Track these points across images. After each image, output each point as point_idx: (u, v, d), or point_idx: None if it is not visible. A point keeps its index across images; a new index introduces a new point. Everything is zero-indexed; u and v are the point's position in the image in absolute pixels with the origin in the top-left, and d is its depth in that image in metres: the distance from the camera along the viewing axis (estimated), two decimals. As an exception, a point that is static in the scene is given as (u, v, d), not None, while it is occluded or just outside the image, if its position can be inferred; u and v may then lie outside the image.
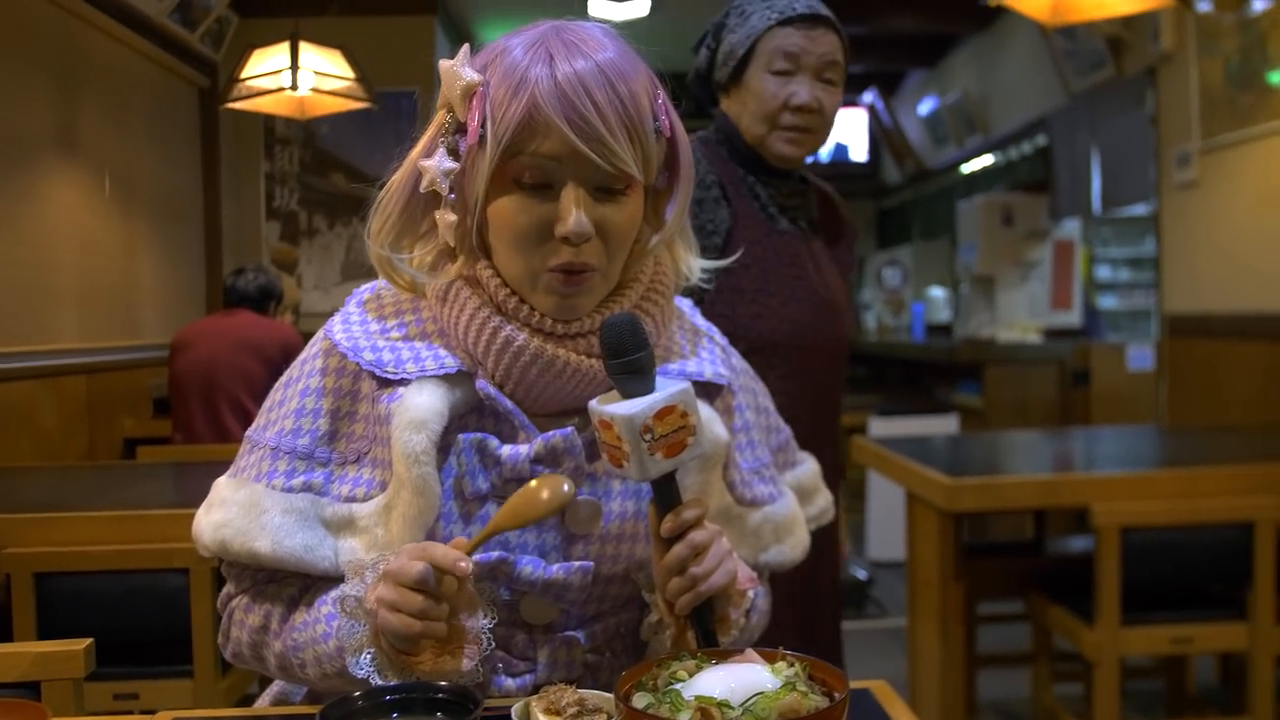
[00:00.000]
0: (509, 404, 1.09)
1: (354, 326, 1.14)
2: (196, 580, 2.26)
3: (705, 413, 1.11)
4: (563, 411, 1.12)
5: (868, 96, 8.37)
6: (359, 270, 6.00)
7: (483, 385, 1.08)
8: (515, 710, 0.95)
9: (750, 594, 1.14)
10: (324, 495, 1.10)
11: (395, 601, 0.97)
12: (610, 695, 0.93)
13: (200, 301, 5.59)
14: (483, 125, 1.01)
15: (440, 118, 1.07)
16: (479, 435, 1.08)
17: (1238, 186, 4.26)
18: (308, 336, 1.23)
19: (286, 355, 3.81)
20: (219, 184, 5.75)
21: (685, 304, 1.27)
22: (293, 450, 1.10)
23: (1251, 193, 4.18)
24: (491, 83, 1.02)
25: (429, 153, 1.07)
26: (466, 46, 1.07)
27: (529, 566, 1.07)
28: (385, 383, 1.08)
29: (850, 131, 8.82)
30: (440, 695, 0.95)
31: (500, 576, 1.08)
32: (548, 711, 0.95)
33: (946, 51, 7.46)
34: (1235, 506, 2.51)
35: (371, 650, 1.01)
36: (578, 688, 1.00)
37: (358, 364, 1.09)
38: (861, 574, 4.78)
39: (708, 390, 1.19)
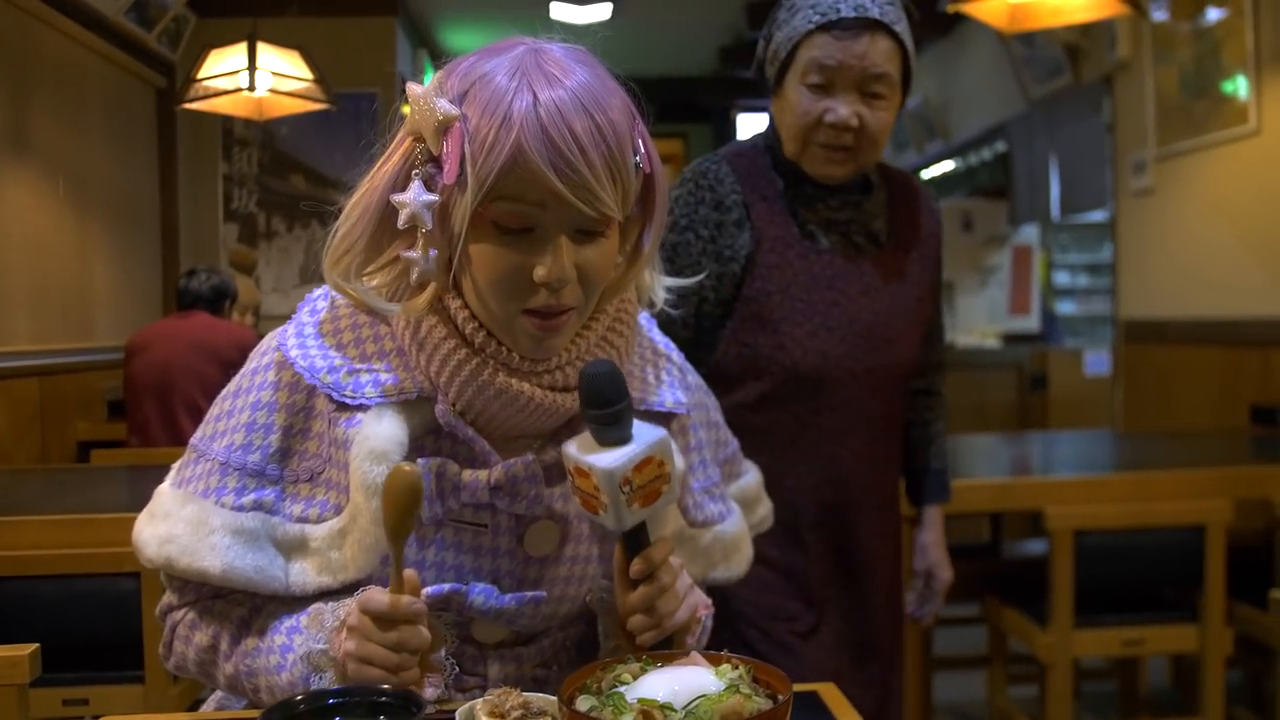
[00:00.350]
0: (469, 432, 1.07)
1: (308, 340, 1.10)
2: (148, 585, 2.23)
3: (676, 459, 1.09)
4: (522, 436, 1.10)
5: (829, 102, 8.43)
6: (318, 274, 5.92)
7: (443, 413, 1.06)
8: (460, 713, 0.95)
9: (703, 619, 1.15)
10: (275, 514, 1.08)
11: (368, 657, 0.97)
12: (554, 699, 0.92)
13: (156, 303, 5.53)
14: (461, 165, 0.97)
15: (408, 145, 1.02)
16: (438, 460, 1.06)
17: (1192, 193, 4.32)
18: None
19: (244, 358, 3.76)
20: (176, 185, 5.70)
21: (642, 318, 1.25)
22: (243, 466, 1.08)
23: (1205, 200, 4.24)
24: (470, 119, 0.97)
25: (399, 182, 1.01)
26: (441, 75, 1.02)
27: (481, 596, 1.07)
28: (344, 406, 1.06)
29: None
30: (382, 698, 0.94)
31: (453, 605, 1.07)
32: (492, 714, 0.95)
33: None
34: (1186, 510, 2.54)
35: None
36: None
37: (313, 385, 1.07)
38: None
39: (665, 418, 1.19)
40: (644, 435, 1.02)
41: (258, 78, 3.96)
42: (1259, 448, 3.26)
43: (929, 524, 2.00)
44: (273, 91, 4.05)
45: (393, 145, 1.04)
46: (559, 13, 6.44)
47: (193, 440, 1.14)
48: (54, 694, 2.29)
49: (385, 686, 0.95)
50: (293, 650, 1.03)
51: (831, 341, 1.71)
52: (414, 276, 1.03)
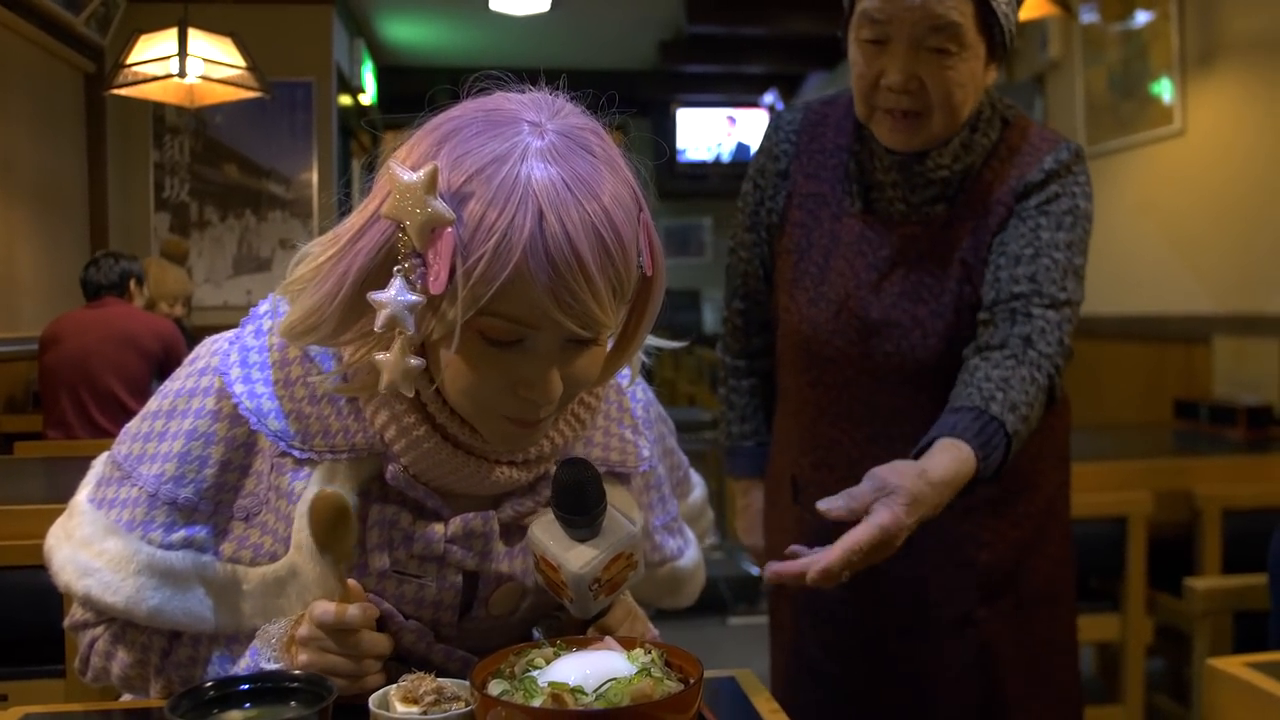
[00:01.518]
0: (421, 490, 1.03)
1: (254, 373, 1.03)
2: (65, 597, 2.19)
3: (627, 514, 1.06)
4: (474, 495, 1.06)
5: (768, 98, 8.48)
6: (251, 263, 5.88)
7: (393, 475, 1.02)
8: (373, 700, 0.94)
9: None
10: (205, 552, 1.04)
11: (330, 668, 0.97)
12: (468, 683, 0.92)
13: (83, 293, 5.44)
14: (451, 275, 0.86)
15: (389, 231, 0.89)
16: (394, 509, 1.03)
17: (1120, 192, 4.41)
18: (197, 331, 1.15)
19: (167, 351, 3.73)
20: (105, 173, 5.60)
21: None
22: (173, 501, 1.02)
23: (1133, 198, 4.32)
24: (466, 226, 0.85)
25: (376, 270, 0.90)
26: (426, 144, 0.90)
27: (413, 635, 1.06)
28: (293, 458, 1.01)
29: (751, 132, 8.92)
30: (294, 684, 0.93)
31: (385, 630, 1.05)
32: (406, 700, 0.94)
33: (844, 54, 7.59)
34: (1108, 502, 2.57)
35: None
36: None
37: (260, 432, 1.01)
38: (755, 570, 4.84)
39: (625, 477, 1.18)
40: (613, 531, 1.01)
41: (189, 64, 3.88)
42: (1181, 441, 3.33)
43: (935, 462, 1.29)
44: (204, 78, 3.98)
45: (367, 219, 0.91)
46: (498, 4, 6.41)
47: (116, 455, 1.07)
48: (-29, 689, 2.25)
49: (296, 672, 0.95)
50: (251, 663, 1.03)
51: (825, 315, 1.55)
52: (383, 383, 0.91)
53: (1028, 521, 1.59)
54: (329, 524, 0.97)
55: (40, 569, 2.12)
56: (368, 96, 7.05)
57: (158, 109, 5.68)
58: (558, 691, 0.86)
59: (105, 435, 3.57)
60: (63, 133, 5.29)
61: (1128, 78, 4.27)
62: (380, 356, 0.91)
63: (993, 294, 1.46)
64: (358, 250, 0.90)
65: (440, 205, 0.85)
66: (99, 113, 5.53)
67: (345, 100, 6.39)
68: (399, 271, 0.87)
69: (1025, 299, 1.43)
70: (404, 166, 0.87)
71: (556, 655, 0.95)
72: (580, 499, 0.99)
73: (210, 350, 1.06)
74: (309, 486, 1.00)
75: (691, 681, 0.89)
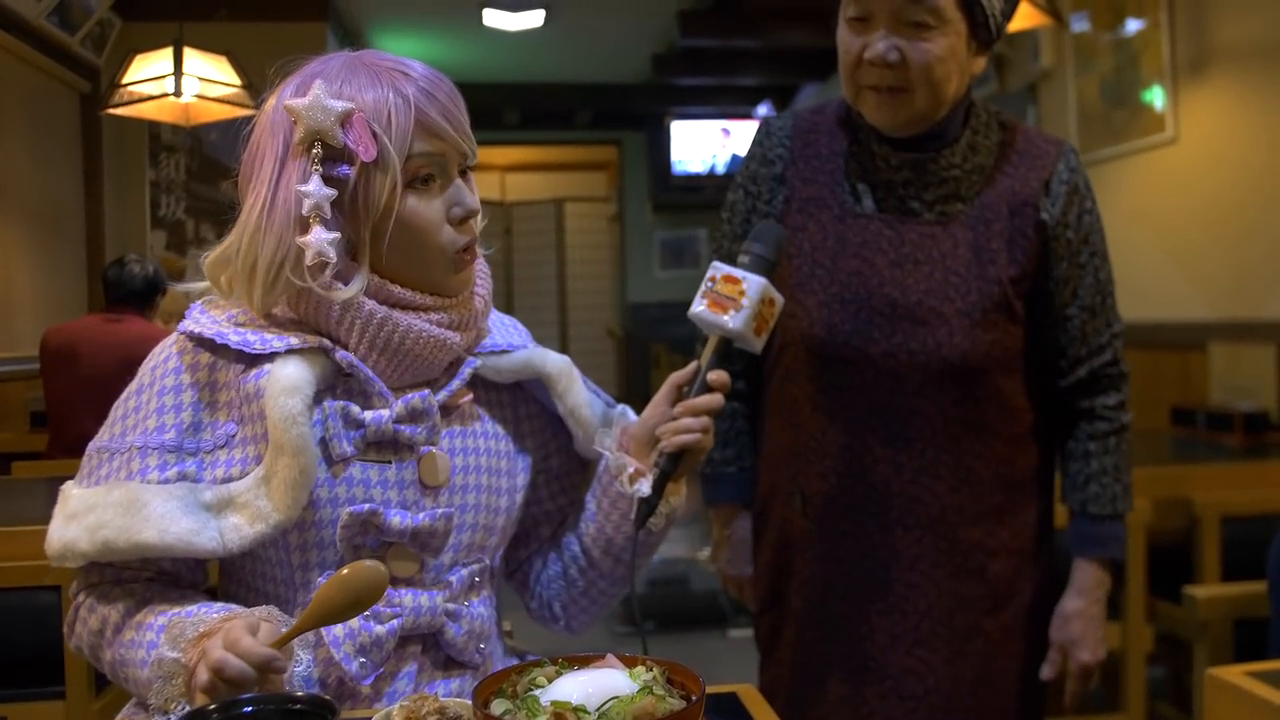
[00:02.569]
0: (369, 371, 1.17)
1: (205, 320, 1.19)
2: (69, 599, 2.18)
3: None
4: (413, 385, 1.21)
5: (762, 109, 8.50)
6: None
7: (344, 355, 1.16)
8: (377, 719, 0.95)
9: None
10: (199, 481, 1.14)
11: (215, 690, 0.99)
12: (469, 703, 0.93)
13: (81, 311, 5.42)
14: (376, 140, 1.11)
15: (304, 153, 1.12)
16: (341, 403, 1.16)
17: (1113, 200, 4.42)
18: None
19: None
20: (101, 192, 5.61)
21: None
22: (160, 445, 1.14)
23: (1126, 207, 4.34)
24: (363, 106, 1.12)
25: (301, 183, 1.12)
26: (320, 83, 1.13)
27: (397, 518, 1.15)
28: (250, 363, 1.15)
29: (746, 144, 8.93)
30: (297, 706, 0.94)
31: (370, 529, 1.15)
32: (409, 719, 0.95)
33: (836, 66, 7.61)
34: (1108, 509, 2.59)
35: (184, 704, 1.04)
36: (438, 640, 1.18)
37: (225, 345, 1.15)
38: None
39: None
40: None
41: (184, 83, 3.90)
42: (1178, 448, 3.34)
43: (1074, 585, 1.62)
44: (200, 97, 4.00)
45: (273, 163, 1.14)
46: (492, 19, 6.43)
47: (94, 446, 1.19)
48: (-30, 712, 2.25)
49: (300, 694, 0.96)
50: (157, 647, 1.07)
51: (843, 315, 1.55)
52: (309, 256, 1.10)
53: (1028, 531, 1.61)
54: (359, 597, 1.01)
55: (38, 589, 2.16)
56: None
57: (153, 128, 5.68)
58: (560, 710, 0.87)
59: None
60: (59, 152, 5.31)
61: (1120, 86, 4.29)
62: (302, 239, 1.11)
63: (1082, 348, 1.61)
64: (275, 189, 1.13)
65: (339, 102, 1.11)
66: (95, 132, 5.54)
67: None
68: (315, 171, 1.11)
69: (1111, 349, 1.63)
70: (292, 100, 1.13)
71: (559, 674, 0.95)
72: (779, 241, 1.32)
73: (164, 340, 1.23)
74: (271, 372, 1.13)
75: (694, 699, 0.90)
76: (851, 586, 1.59)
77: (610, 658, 0.98)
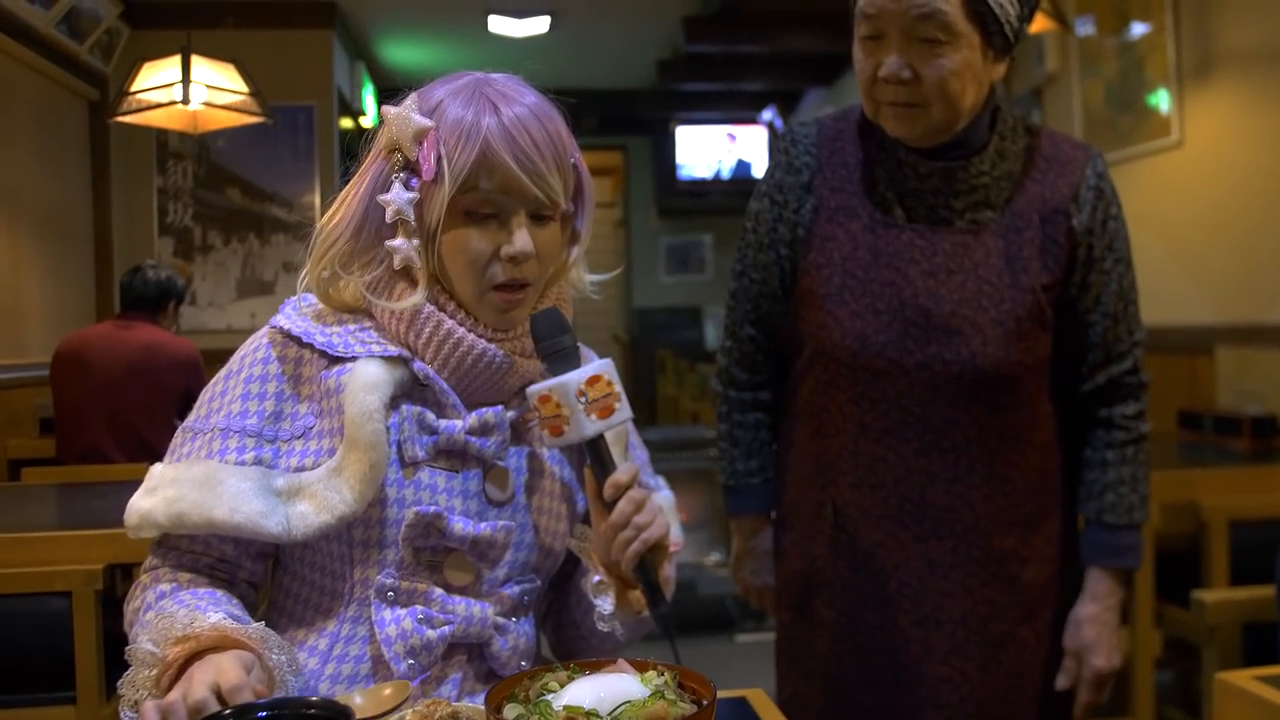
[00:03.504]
0: (444, 384, 1.21)
1: (296, 318, 1.25)
2: (79, 604, 2.22)
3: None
4: (483, 403, 1.24)
5: (767, 114, 8.51)
6: (255, 287, 5.91)
7: (420, 366, 1.21)
8: (390, 722, 0.96)
9: (674, 553, 1.28)
10: (273, 468, 1.19)
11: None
12: (482, 708, 0.94)
13: (89, 319, 5.46)
14: (438, 164, 1.16)
15: (384, 158, 1.20)
16: (418, 408, 1.20)
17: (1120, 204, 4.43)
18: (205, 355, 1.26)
19: (189, 385, 3.59)
20: (109, 199, 5.64)
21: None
22: (242, 429, 1.19)
23: (1132, 210, 4.27)
24: (441, 127, 1.17)
25: (380, 188, 1.19)
26: (414, 95, 1.21)
27: (460, 524, 1.18)
28: (333, 361, 1.20)
29: (751, 149, 8.96)
30: (311, 711, 0.94)
31: (434, 532, 1.18)
32: (422, 722, 0.96)
33: (842, 71, 7.61)
34: (1115, 513, 2.59)
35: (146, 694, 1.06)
36: (484, 652, 1.20)
37: (310, 345, 1.21)
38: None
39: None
40: (591, 361, 1.23)
41: (192, 90, 3.92)
42: (1186, 452, 3.34)
43: (1088, 592, 1.62)
44: (207, 104, 4.02)
45: (367, 162, 1.23)
46: (497, 26, 6.45)
47: (186, 424, 1.24)
48: (-18, 717, 2.27)
49: (314, 699, 0.96)
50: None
51: (876, 326, 1.55)
52: (397, 262, 1.19)
53: (1058, 539, 1.62)
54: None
55: (50, 595, 2.17)
56: (369, 119, 7.09)
57: (161, 135, 5.71)
58: (573, 715, 0.88)
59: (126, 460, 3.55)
60: (68, 160, 5.33)
61: (1125, 90, 4.30)
62: (391, 242, 1.18)
63: (1103, 354, 1.61)
64: (363, 182, 1.21)
65: (420, 118, 1.17)
66: (103, 139, 5.57)
67: (347, 123, 6.43)
68: (395, 178, 1.18)
69: (1131, 357, 1.62)
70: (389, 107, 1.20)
71: (571, 679, 0.96)
72: (548, 325, 1.20)
73: (258, 331, 1.28)
74: (354, 370, 1.18)
75: (705, 704, 0.90)
76: (885, 597, 1.58)
77: (622, 663, 0.99)
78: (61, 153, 5.26)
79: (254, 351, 1.25)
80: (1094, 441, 1.63)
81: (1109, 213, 1.61)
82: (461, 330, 1.20)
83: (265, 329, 1.26)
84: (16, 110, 4.75)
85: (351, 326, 1.24)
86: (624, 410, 1.20)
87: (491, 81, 1.21)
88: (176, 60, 3.92)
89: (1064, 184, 1.58)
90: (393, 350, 1.20)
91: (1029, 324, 1.54)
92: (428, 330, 1.20)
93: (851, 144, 1.63)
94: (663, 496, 1.47)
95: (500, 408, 1.23)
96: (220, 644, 1.04)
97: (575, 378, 1.17)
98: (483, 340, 1.21)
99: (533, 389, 1.20)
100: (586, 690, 0.92)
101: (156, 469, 1.20)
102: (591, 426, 1.17)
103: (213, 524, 1.14)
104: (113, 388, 3.65)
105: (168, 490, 1.16)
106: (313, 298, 1.26)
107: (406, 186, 1.18)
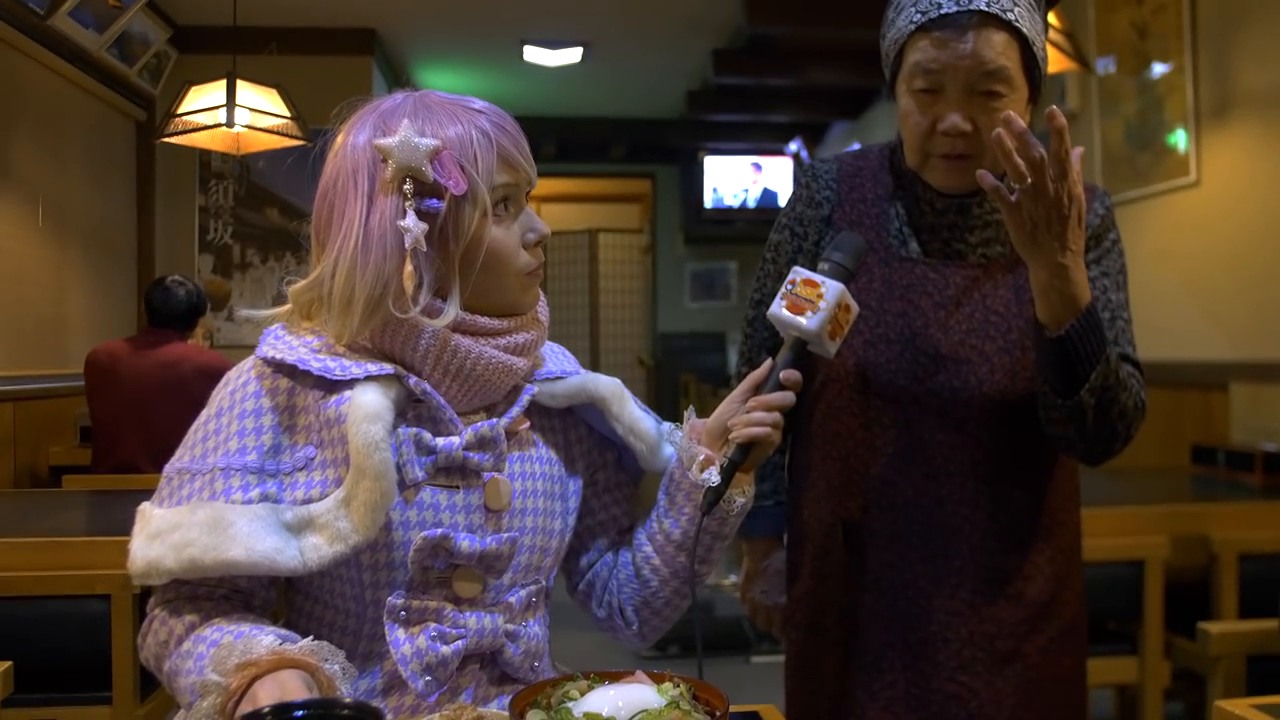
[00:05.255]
0: (440, 399, 1.22)
1: (281, 343, 1.23)
2: (117, 606, 2.27)
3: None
4: (480, 410, 1.27)
5: (793, 145, 8.54)
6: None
7: (416, 382, 1.21)
8: (415, 727, 1.02)
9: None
10: (279, 503, 1.17)
11: None
12: (506, 713, 1.00)
13: (131, 332, 5.55)
14: (465, 175, 1.18)
15: (397, 189, 1.18)
16: (415, 430, 1.20)
17: (1136, 241, 4.45)
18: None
19: (211, 386, 3.61)
20: (153, 216, 5.75)
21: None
22: (243, 467, 1.17)
23: (1150, 248, 4.36)
24: (450, 141, 1.19)
25: (398, 218, 1.17)
26: (407, 122, 1.19)
27: (466, 542, 1.19)
28: (329, 389, 1.19)
29: (777, 179, 9.00)
30: (345, 712, 0.96)
31: (441, 553, 1.19)
32: (448, 728, 1.00)
33: (868, 104, 7.62)
34: (1126, 545, 2.61)
35: None
36: (496, 659, 1.22)
37: (307, 372, 1.19)
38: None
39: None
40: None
41: (236, 114, 3.99)
42: (1198, 486, 3.35)
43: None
44: (250, 127, 4.08)
45: (361, 199, 1.19)
46: (532, 55, 6.54)
47: (173, 467, 1.21)
48: (23, 715, 2.31)
49: (347, 700, 0.99)
50: (204, 659, 1.09)
51: (887, 355, 1.58)
52: (408, 242, 1.16)
53: (1061, 556, 1.64)
54: None
55: (89, 598, 2.24)
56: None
57: (204, 155, 5.79)
58: (591, 721, 0.93)
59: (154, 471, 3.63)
60: (114, 178, 5.44)
61: (1144, 129, 4.33)
62: (410, 269, 1.17)
63: None
64: (371, 222, 1.18)
65: (428, 140, 1.18)
66: (149, 159, 5.68)
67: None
68: (409, 206, 1.17)
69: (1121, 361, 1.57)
70: (380, 139, 1.19)
71: (591, 688, 1.01)
72: (858, 250, 1.39)
73: (239, 364, 1.26)
74: (353, 399, 1.17)
75: (718, 715, 0.96)
76: (895, 617, 1.62)
77: (639, 674, 1.04)
78: (108, 170, 5.37)
79: (243, 386, 1.22)
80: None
81: (1106, 238, 1.64)
82: (465, 339, 1.21)
83: (248, 362, 1.24)
84: (67, 129, 4.87)
85: (338, 348, 1.22)
86: (839, 342, 1.36)
87: (436, 95, 1.24)
88: (222, 84, 4.01)
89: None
90: (388, 368, 1.20)
91: (1033, 353, 1.56)
92: (424, 341, 1.20)
93: (870, 180, 1.66)
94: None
95: (495, 420, 1.25)
96: (279, 665, 1.03)
97: (846, 293, 1.33)
98: (488, 347, 1.23)
99: (804, 272, 1.35)
100: (605, 699, 0.98)
101: (154, 513, 1.17)
102: (821, 330, 1.32)
103: (229, 565, 1.12)
104: (143, 402, 3.69)
105: (173, 536, 1.14)
106: (280, 325, 1.26)
107: (419, 212, 1.18)
